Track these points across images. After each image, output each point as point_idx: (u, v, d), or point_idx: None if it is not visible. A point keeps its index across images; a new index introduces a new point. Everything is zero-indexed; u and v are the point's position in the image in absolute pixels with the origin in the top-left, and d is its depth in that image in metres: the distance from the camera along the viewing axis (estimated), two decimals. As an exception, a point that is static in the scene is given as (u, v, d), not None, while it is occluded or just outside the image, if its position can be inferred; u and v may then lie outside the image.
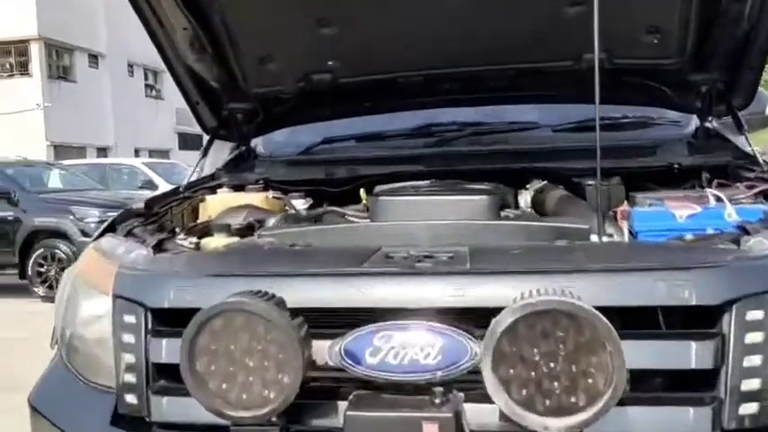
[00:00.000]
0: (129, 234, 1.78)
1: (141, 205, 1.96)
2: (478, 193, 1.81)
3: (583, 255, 1.38)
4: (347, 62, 2.35)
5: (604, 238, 1.53)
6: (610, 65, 2.20)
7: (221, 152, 2.71)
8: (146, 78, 30.45)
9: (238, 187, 2.34)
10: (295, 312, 1.18)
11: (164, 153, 28.53)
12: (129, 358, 1.38)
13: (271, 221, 1.88)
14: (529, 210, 1.99)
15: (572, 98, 2.44)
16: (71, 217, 8.36)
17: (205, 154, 2.52)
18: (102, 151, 26.11)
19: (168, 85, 30.27)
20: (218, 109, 2.49)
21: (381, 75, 2.41)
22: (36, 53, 24.54)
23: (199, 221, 2.08)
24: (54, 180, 10.61)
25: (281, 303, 1.14)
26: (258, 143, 2.74)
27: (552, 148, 2.32)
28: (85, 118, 25.39)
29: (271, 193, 2.24)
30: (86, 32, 25.40)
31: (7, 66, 24.96)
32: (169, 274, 1.41)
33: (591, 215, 1.66)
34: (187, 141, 30.59)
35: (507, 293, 1.18)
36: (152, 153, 27.34)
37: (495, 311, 1.13)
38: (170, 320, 1.38)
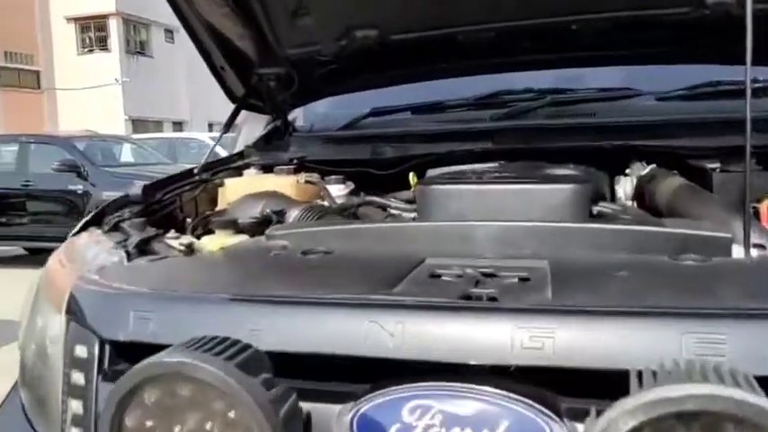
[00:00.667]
0: (114, 228, 1.42)
1: (138, 191, 1.59)
2: (563, 180, 1.34)
3: (734, 284, 0.90)
4: (397, 14, 1.90)
5: (754, 252, 1.04)
6: (740, 11, 1.67)
7: (256, 128, 2.32)
8: (220, 52, 30.60)
9: (267, 168, 1.95)
10: (279, 369, 0.78)
11: (237, 127, 28.70)
12: (76, 407, 1.01)
13: (292, 215, 1.47)
14: (631, 204, 1.50)
15: (685, 57, 1.92)
16: (138, 190, 8.35)
17: (228, 128, 2.13)
18: (178, 125, 26.56)
19: (241, 59, 30.58)
20: (246, 74, 2.10)
21: (440, 30, 1.95)
22: (114, 28, 25.05)
23: (201, 214, 1.70)
24: (126, 154, 10.67)
25: (251, 361, 0.73)
26: (297, 116, 2.33)
27: (659, 120, 1.80)
28: (162, 92, 25.84)
29: (303, 176, 1.83)
30: (162, 7, 25.63)
31: (87, 41, 25.60)
32: (130, 293, 1.02)
33: (724, 215, 1.17)
34: (259, 115, 30.64)
35: (615, 349, 0.74)
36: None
37: (593, 377, 0.70)
38: (132, 358, 0.99)
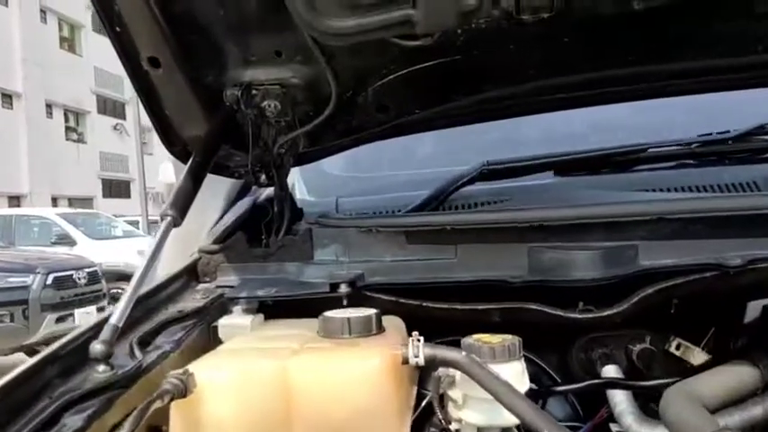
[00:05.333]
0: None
1: None
2: None
3: None
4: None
5: None
6: None
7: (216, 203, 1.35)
8: (66, 120, 28.09)
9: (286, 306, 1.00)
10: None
11: (86, 201, 26.14)
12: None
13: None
14: None
15: None
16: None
17: (175, 204, 1.13)
18: (15, 200, 23.58)
19: (92, 127, 28.22)
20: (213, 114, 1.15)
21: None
22: (-60, 91, 22.15)
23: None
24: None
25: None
26: (297, 181, 1.54)
27: None
28: (-4, 163, 22.95)
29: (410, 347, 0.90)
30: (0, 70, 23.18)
31: None
32: None
33: None
34: (112, 188, 28.31)
35: None
36: (72, 202, 24.95)
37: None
38: None
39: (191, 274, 1.40)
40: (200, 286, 1.39)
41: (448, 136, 1.53)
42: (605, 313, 1.22)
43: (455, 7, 1.09)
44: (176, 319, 1.16)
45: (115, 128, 29.61)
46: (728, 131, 1.52)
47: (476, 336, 1.09)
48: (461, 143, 1.70)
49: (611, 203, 1.27)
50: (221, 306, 1.27)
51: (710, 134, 1.54)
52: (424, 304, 1.25)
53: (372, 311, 1.09)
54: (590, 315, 1.23)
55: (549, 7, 1.12)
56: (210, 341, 1.18)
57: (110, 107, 29.65)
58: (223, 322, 1.20)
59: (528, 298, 1.27)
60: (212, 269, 1.42)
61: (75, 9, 26.02)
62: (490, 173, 1.54)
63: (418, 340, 1.02)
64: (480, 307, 1.26)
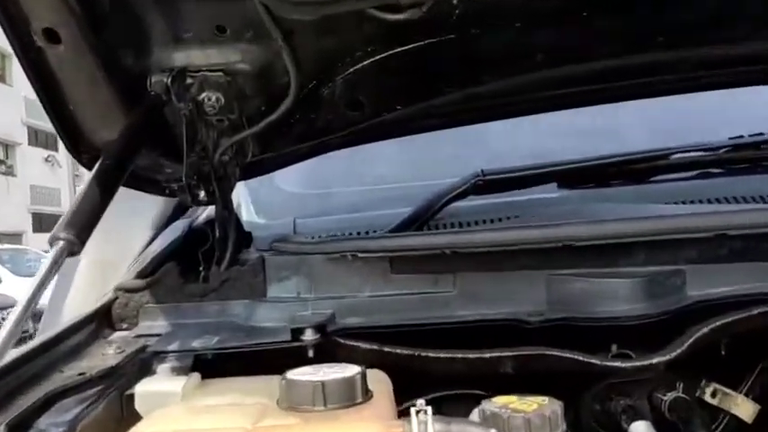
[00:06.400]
0: None
1: None
2: None
3: None
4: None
5: None
6: None
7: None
8: (-7, 151, 26.81)
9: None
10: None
11: (14, 237, 24.81)
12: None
13: None
14: None
15: None
16: None
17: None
18: None
19: (22, 159, 26.97)
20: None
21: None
22: None
23: None
24: None
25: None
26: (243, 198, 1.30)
27: None
28: None
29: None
30: None
31: None
32: None
33: None
34: (43, 223, 27.02)
35: None
36: (0, 237, 23.66)
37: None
38: None
39: (102, 320, 1.06)
40: (115, 335, 1.04)
41: (433, 140, 1.24)
42: (654, 360, 0.94)
43: (452, -34, 0.82)
44: (73, 388, 0.81)
45: (47, 160, 28.51)
46: (762, 134, 1.29)
47: (498, 399, 0.80)
48: (450, 149, 1.41)
49: (656, 217, 1.00)
50: (141, 364, 0.92)
51: (742, 137, 1.30)
52: (420, 354, 0.94)
53: (355, 370, 0.78)
54: (635, 363, 0.95)
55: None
56: (123, 416, 0.83)
57: (41, 139, 28.49)
58: (143, 388, 0.85)
59: (544, 339, 0.98)
60: (132, 312, 1.08)
61: (3, 38, 25.04)
62: (486, 184, 1.26)
63: (425, 411, 0.72)
64: (489, 355, 0.96)
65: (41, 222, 27.00)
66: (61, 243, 0.78)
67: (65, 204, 25.84)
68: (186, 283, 1.11)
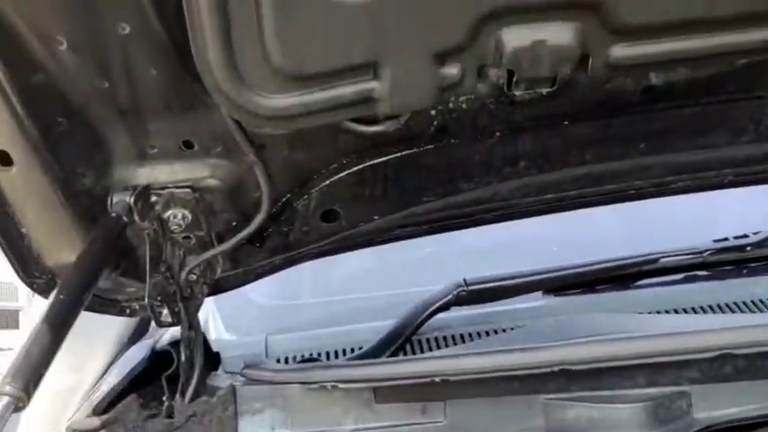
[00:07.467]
0: None
1: None
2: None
3: None
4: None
5: None
6: None
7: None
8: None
9: None
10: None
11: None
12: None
13: None
14: None
15: None
16: None
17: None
18: None
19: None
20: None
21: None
22: None
23: None
24: None
25: None
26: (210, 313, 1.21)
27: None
28: None
29: None
30: None
31: None
32: None
33: None
34: (-2, 318, 25.96)
35: None
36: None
37: None
38: None
39: None
40: None
41: (413, 246, 1.19)
42: None
43: (431, 80, 0.79)
44: None
45: (5, 252, 27.72)
46: (746, 235, 1.27)
47: None
48: (431, 256, 1.35)
49: (656, 336, 0.94)
50: None
51: (726, 239, 1.28)
52: None
53: None
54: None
55: (550, 80, 0.83)
56: None
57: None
58: None
59: None
60: None
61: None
62: (469, 295, 1.19)
63: None
64: None
65: (-4, 317, 25.96)
66: (6, 399, 0.68)
67: (21, 298, 24.83)
68: (147, 420, 1.00)
